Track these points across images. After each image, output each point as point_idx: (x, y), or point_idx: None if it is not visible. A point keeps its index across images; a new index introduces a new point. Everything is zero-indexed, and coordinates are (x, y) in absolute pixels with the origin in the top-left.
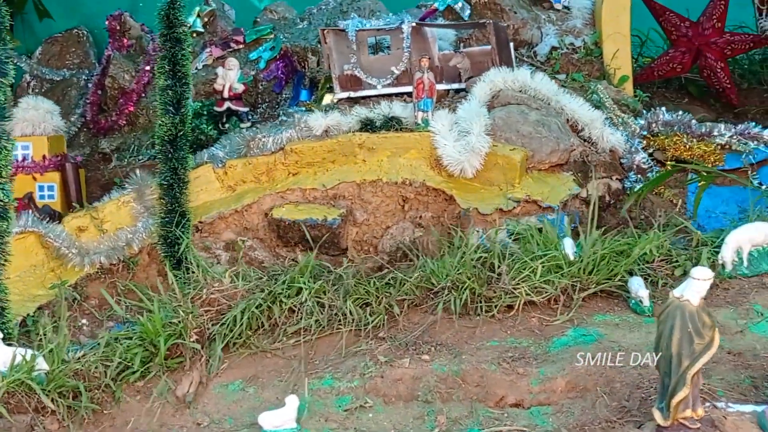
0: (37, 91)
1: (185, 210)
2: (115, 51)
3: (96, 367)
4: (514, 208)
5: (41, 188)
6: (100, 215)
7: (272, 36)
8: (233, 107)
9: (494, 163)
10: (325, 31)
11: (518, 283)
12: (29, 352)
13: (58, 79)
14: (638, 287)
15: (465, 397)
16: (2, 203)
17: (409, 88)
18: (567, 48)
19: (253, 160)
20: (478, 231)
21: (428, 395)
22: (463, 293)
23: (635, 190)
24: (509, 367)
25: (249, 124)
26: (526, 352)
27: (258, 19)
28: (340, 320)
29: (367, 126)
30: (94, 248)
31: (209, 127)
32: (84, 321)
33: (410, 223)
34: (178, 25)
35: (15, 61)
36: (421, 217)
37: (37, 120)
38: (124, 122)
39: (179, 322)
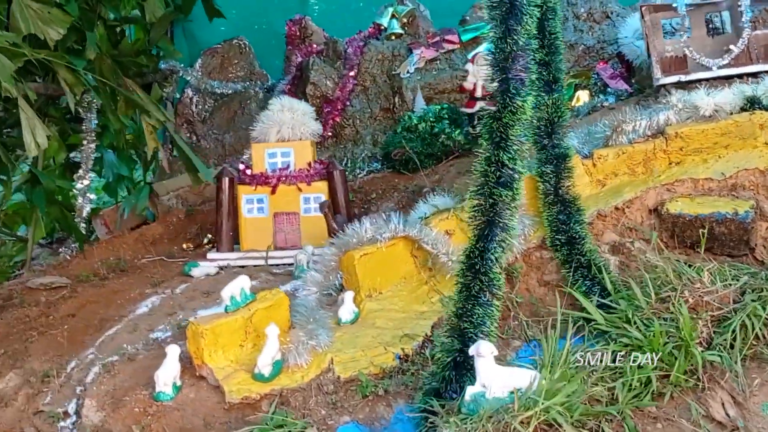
0: (201, 106)
1: (578, 206)
2: (314, 56)
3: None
4: None
5: (306, 200)
6: (466, 216)
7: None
8: (487, 107)
9: None
10: (644, 8)
11: None
12: (532, 372)
13: (229, 92)
14: None
15: None
16: (510, 170)
17: (750, 69)
18: None
19: (628, 148)
20: None
21: None
22: None
23: None
24: None
25: None
26: None
27: (467, 18)
28: None
29: (752, 104)
30: None
31: (456, 132)
32: None
33: None
34: None
35: (180, 73)
36: None
37: (295, 123)
38: (330, 134)
39: (679, 329)
